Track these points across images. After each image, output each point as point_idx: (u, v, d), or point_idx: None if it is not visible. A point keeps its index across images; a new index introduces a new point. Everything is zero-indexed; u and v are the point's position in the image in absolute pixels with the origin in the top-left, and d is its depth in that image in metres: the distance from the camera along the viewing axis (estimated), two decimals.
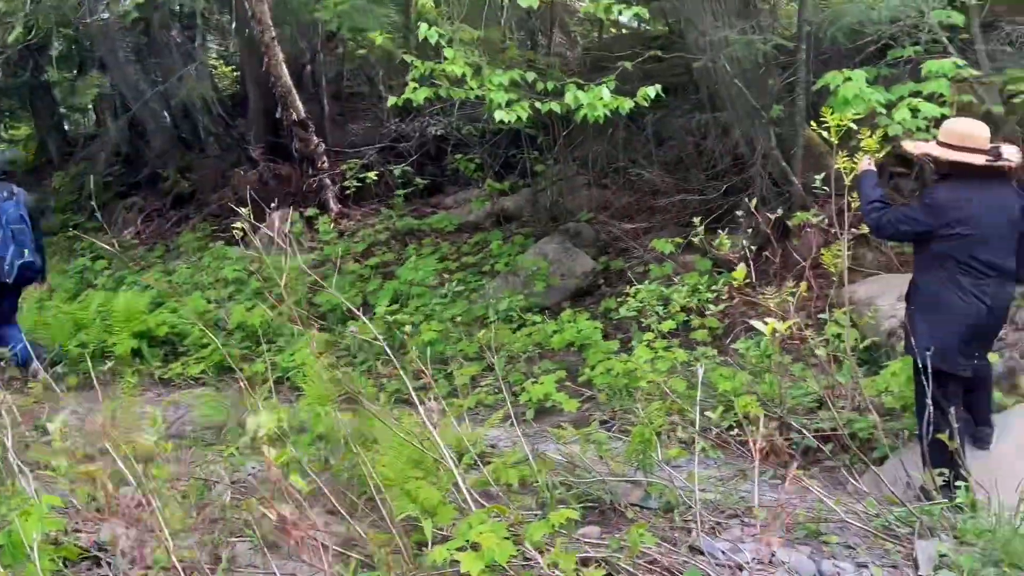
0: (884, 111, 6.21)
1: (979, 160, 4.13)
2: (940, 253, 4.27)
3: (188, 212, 12.62)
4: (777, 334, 3.76)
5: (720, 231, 8.61)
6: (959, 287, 4.26)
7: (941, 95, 6.36)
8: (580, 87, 6.39)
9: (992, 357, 5.86)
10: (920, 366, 4.44)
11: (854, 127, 4.83)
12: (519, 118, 6.29)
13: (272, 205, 7.06)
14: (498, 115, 6.01)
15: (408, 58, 6.22)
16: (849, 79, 5.95)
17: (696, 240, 8.62)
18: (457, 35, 6.24)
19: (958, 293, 4.26)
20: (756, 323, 3.62)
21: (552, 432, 4.91)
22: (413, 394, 3.86)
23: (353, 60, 13.53)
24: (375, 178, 10.71)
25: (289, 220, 10.66)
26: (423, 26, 5.73)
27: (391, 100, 6.27)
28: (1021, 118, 7.26)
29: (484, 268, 9.02)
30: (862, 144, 4.72)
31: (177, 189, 12.93)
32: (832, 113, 6.04)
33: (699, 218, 6.42)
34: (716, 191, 8.49)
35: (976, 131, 4.22)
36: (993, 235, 4.20)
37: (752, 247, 8.37)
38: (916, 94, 6.41)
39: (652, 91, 6.02)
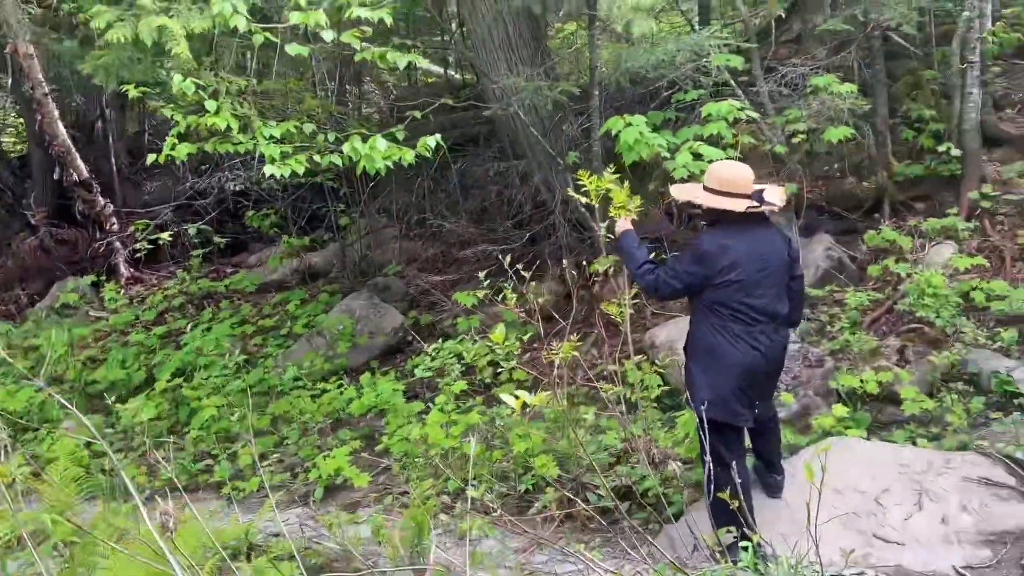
0: (669, 155, 6.19)
1: (740, 206, 4.03)
2: (712, 301, 4.15)
3: None
4: (530, 408, 3.51)
5: (527, 280, 8.53)
6: (732, 335, 4.14)
7: (720, 136, 6.41)
8: (364, 139, 6.05)
9: (786, 397, 5.87)
10: (699, 419, 4.32)
11: (616, 188, 4.68)
12: (310, 172, 5.86)
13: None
14: (268, 170, 5.57)
15: (167, 111, 5.72)
16: (630, 124, 5.87)
17: (505, 290, 8.48)
18: (223, 86, 5.78)
19: (731, 341, 4.14)
20: (505, 396, 3.29)
21: (323, 520, 4.46)
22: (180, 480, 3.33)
23: (156, 114, 12.76)
24: (169, 239, 9.99)
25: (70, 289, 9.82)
26: (176, 77, 5.24)
27: (150, 157, 5.73)
28: (802, 156, 7.46)
29: (284, 330, 8.48)
30: (613, 201, 4.59)
31: None
32: (619, 159, 6.00)
33: (484, 273, 6.24)
34: (520, 240, 8.32)
35: (739, 176, 4.13)
36: (763, 280, 4.12)
37: (556, 296, 8.28)
38: (700, 137, 6.45)
39: (432, 140, 5.74)
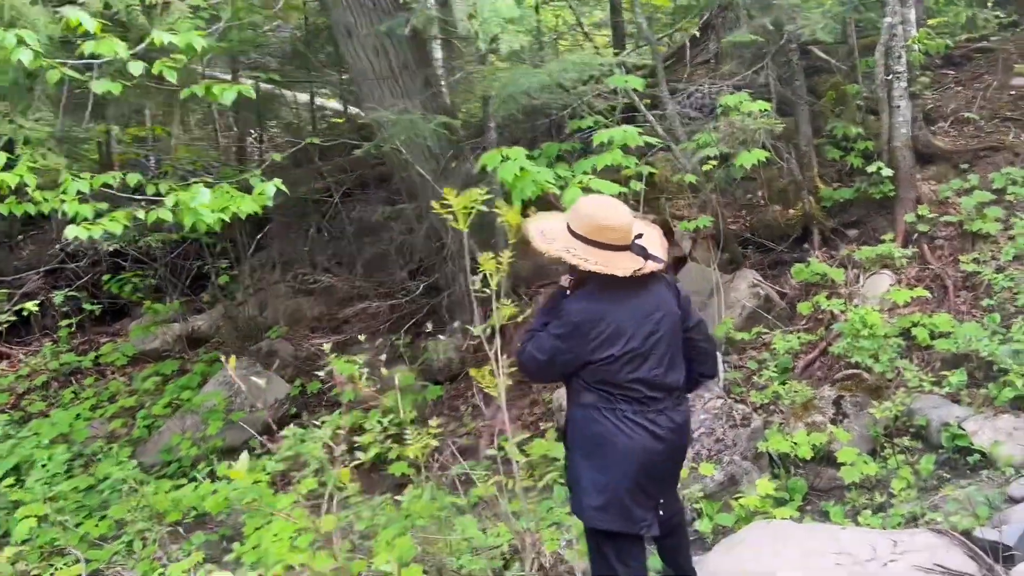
0: (559, 191, 5.35)
1: (622, 269, 3.16)
2: (593, 381, 3.24)
3: None
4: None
5: (426, 336, 7.62)
6: (624, 419, 3.22)
7: (621, 168, 5.61)
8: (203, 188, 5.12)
9: (706, 469, 5.01)
10: (587, 530, 3.41)
11: (505, 207, 3.79)
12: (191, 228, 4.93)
13: None
14: (71, 232, 4.61)
15: None
16: (507, 158, 5.02)
17: (400, 348, 7.55)
18: (20, 134, 4.82)
19: (623, 427, 3.22)
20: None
21: None
22: None
23: None
24: (35, 308, 8.89)
25: None
26: None
27: None
28: (717, 184, 6.68)
29: (153, 409, 7.46)
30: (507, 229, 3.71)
31: None
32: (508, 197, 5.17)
33: (365, 337, 5.30)
34: (416, 291, 7.43)
35: (615, 220, 3.20)
36: (656, 347, 3.23)
37: (463, 353, 7.38)
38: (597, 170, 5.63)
39: (271, 187, 4.83)
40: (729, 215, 7.71)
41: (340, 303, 8.18)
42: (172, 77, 4.61)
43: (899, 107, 7.08)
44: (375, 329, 7.66)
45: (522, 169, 5.05)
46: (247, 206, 4.84)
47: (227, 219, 4.87)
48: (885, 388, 5.38)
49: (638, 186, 5.99)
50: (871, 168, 7.00)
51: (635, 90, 6.25)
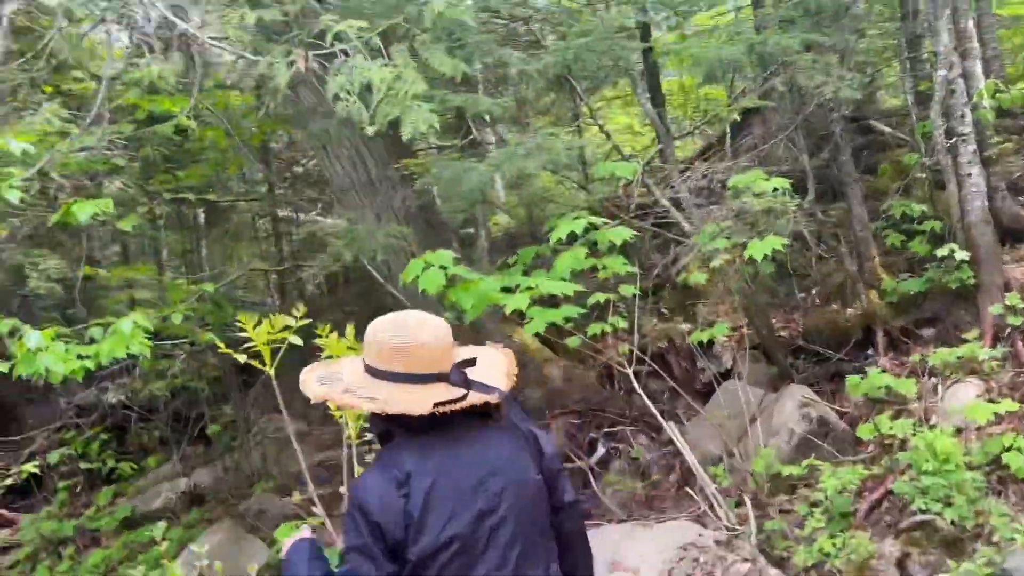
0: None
1: (418, 404, 2.06)
2: None
3: None
4: None
5: None
6: None
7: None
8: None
9: None
10: None
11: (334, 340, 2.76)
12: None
13: None
14: None
15: None
16: (429, 265, 4.02)
17: None
18: None
19: None
20: None
21: None
22: None
23: None
24: (34, 470, 8.30)
25: None
26: None
27: None
28: (743, 281, 5.48)
29: None
30: None
31: None
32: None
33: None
34: None
35: (412, 337, 2.12)
36: (492, 535, 2.07)
37: None
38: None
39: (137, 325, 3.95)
40: (778, 319, 6.44)
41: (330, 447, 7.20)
42: (13, 196, 3.87)
43: (969, 176, 5.76)
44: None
45: (455, 279, 4.03)
46: (107, 353, 3.95)
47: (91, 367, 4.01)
48: (965, 541, 3.93)
49: (631, 290, 4.87)
50: (942, 252, 5.66)
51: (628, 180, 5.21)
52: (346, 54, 3.64)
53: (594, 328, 4.88)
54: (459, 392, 2.07)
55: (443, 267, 4.08)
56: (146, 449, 8.39)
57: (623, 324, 4.89)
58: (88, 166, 4.88)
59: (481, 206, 6.03)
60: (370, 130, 3.62)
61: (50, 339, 3.93)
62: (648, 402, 4.93)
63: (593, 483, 5.57)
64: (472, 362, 2.15)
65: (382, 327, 2.17)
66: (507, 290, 4.46)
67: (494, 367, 2.20)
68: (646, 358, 5.30)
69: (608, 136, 6.72)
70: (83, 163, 4.70)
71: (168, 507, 8.14)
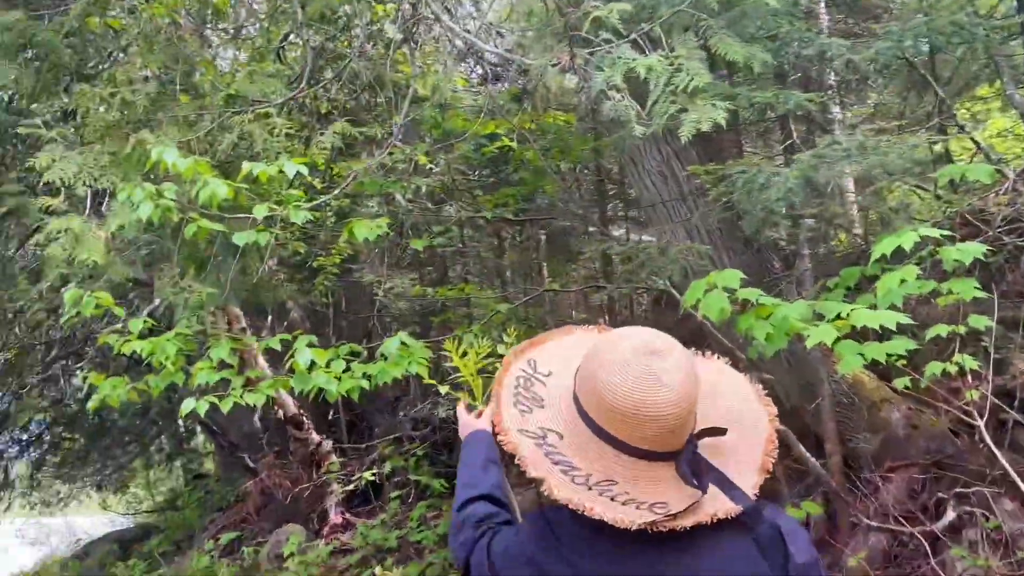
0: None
1: (637, 514, 1.44)
2: None
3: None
4: None
5: None
6: None
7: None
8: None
9: None
10: None
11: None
12: None
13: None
14: (187, 407, 3.97)
15: (108, 339, 4.48)
16: (713, 287, 3.40)
17: None
18: (182, 298, 4.43)
19: None
20: None
21: None
22: None
23: None
24: (371, 478, 8.83)
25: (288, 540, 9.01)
26: (70, 292, 3.98)
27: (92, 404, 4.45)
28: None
29: None
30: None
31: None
32: None
33: None
34: None
35: (653, 396, 1.45)
36: None
37: None
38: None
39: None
40: None
41: None
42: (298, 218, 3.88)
43: None
44: None
45: (746, 303, 3.39)
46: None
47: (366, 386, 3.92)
48: None
49: (983, 322, 3.83)
50: None
51: None
52: (608, 43, 3.18)
53: (933, 367, 3.90)
54: (686, 497, 1.45)
55: (729, 289, 3.44)
56: None
57: (973, 364, 3.86)
58: (388, 186, 4.90)
59: (801, 220, 5.22)
60: (638, 131, 3.12)
61: (325, 357, 3.91)
62: (1003, 461, 3.85)
63: (932, 555, 4.52)
64: (721, 431, 1.53)
65: (608, 366, 1.51)
66: (820, 317, 3.71)
67: (747, 438, 1.55)
68: (1004, 407, 4.18)
69: (972, 138, 5.57)
70: (380, 183, 4.72)
71: None
